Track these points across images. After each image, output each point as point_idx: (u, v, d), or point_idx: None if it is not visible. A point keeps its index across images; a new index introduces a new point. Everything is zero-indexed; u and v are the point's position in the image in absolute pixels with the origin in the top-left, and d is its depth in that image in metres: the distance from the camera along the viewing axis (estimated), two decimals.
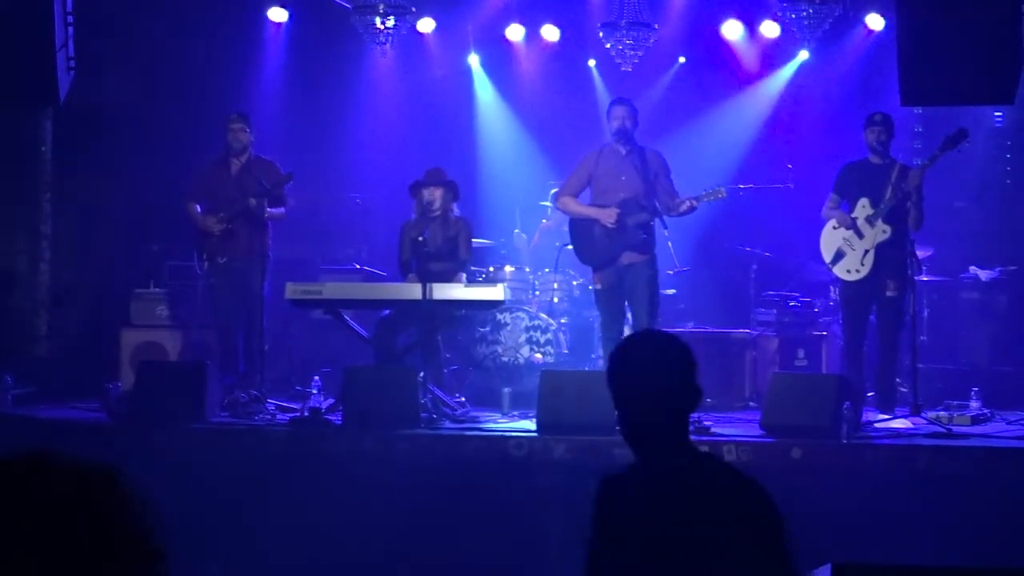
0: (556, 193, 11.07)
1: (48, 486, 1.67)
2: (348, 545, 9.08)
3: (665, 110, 13.75)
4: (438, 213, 10.91)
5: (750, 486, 3.48)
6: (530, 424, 9.72)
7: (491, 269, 11.97)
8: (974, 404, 10.37)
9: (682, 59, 14.21)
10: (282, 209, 11.23)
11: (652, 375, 3.55)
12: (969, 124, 10.37)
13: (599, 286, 10.59)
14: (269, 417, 10.20)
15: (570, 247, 11.17)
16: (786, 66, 13.85)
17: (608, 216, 10.32)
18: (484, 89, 14.56)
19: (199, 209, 11.19)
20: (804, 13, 11.24)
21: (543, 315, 11.61)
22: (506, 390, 10.84)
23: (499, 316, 11.48)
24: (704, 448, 3.56)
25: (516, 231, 13.32)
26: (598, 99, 13.85)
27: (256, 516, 9.12)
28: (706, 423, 9.65)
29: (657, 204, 10.30)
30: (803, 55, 13.56)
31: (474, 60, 14.44)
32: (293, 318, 12.38)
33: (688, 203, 10.21)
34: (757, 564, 3.43)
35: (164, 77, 12.71)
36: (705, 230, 12.83)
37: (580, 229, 10.63)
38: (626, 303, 10.54)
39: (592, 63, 14.26)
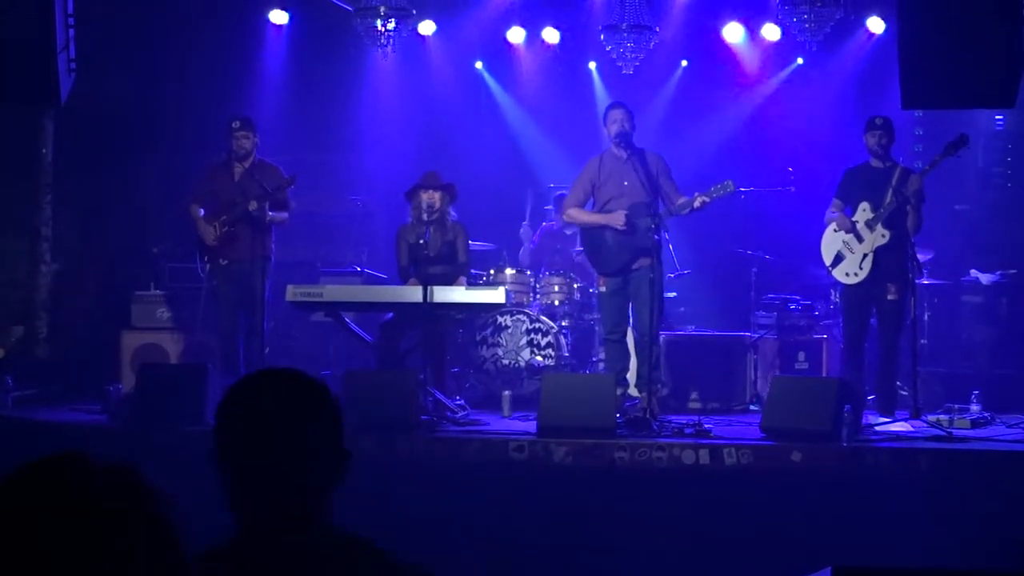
0: (560, 201, 11.02)
1: (84, 488, 1.67)
2: None
3: (665, 113, 13.76)
4: (436, 216, 10.88)
5: None
6: (531, 427, 9.72)
7: (492, 272, 11.97)
8: (974, 407, 10.38)
9: (684, 62, 14.21)
10: (285, 214, 11.20)
11: (277, 431, 2.59)
12: (969, 127, 10.37)
13: (603, 289, 10.61)
14: None
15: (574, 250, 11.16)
16: (784, 70, 13.87)
17: (617, 220, 10.33)
18: (485, 91, 14.57)
19: (201, 212, 11.17)
20: (805, 16, 11.24)
21: (544, 318, 11.61)
22: (507, 393, 10.85)
23: (500, 319, 11.49)
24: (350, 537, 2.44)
25: (524, 223, 13.32)
26: (597, 101, 13.89)
27: None
28: (707, 426, 9.66)
29: (661, 206, 10.30)
30: (798, 60, 13.58)
31: (477, 63, 14.46)
32: (294, 320, 12.39)
33: (700, 199, 10.20)
34: None
35: (165, 79, 12.71)
36: (706, 233, 12.83)
37: (592, 238, 10.61)
38: (630, 306, 10.57)
39: (592, 65, 14.26)
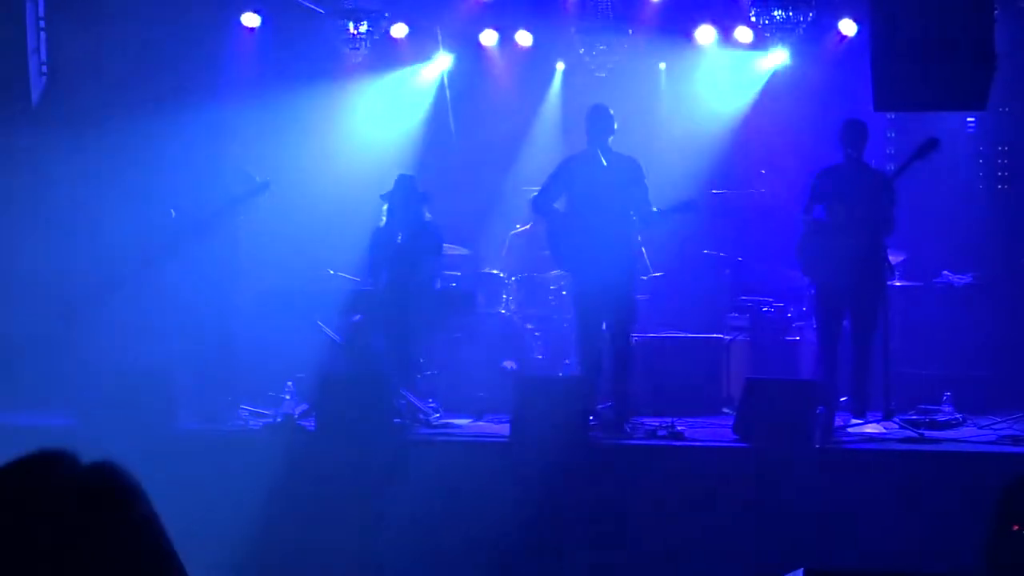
0: (534, 200, 10.93)
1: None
2: (321, 551, 9.05)
3: (638, 114, 13.75)
4: (410, 218, 10.85)
5: None
6: (504, 429, 9.71)
7: (460, 274, 11.96)
8: (946, 409, 10.40)
9: (663, 65, 14.14)
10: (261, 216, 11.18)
11: None
12: (941, 130, 10.40)
13: (576, 290, 10.55)
14: (242, 423, 10.17)
15: (546, 253, 11.15)
16: (761, 72, 13.82)
17: (592, 222, 10.25)
18: (458, 94, 14.50)
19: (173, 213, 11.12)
20: (776, 18, 11.26)
21: (517, 319, 11.60)
22: (480, 395, 10.84)
23: (472, 321, 11.46)
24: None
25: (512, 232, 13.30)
26: (547, 100, 13.98)
27: (228, 522, 9.08)
28: (679, 428, 9.67)
29: (632, 211, 10.28)
30: (783, 59, 13.48)
31: (446, 63, 14.35)
32: (267, 323, 12.33)
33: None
34: None
35: (137, 81, 12.63)
36: (678, 235, 12.81)
37: (562, 237, 10.55)
38: (602, 307, 10.51)
39: (560, 66, 14.19)
